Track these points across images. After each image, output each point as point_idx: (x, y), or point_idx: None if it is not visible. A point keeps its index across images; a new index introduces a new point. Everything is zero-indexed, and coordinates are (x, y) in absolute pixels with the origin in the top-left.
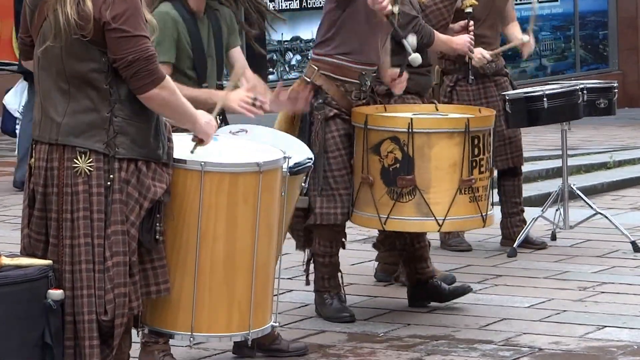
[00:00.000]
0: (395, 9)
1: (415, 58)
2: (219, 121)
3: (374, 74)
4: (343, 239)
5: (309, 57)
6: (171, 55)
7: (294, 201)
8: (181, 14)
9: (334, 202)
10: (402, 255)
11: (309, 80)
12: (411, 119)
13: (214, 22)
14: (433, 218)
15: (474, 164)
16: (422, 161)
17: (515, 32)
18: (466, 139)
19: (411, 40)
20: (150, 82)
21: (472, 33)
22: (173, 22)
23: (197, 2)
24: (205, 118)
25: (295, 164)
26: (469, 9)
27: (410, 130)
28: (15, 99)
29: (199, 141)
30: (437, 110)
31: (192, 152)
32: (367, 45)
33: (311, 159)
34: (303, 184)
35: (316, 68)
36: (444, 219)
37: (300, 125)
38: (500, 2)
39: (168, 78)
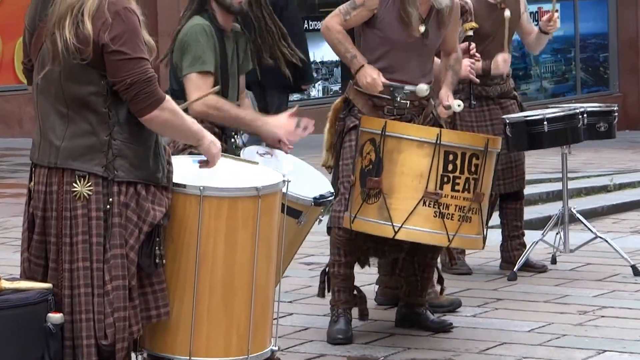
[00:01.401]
0: (422, 28)
1: (420, 90)
2: (239, 141)
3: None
4: (362, 257)
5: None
6: (213, 66)
7: (308, 229)
8: (214, 29)
9: (340, 205)
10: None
11: (346, 95)
12: (385, 121)
13: (236, 43)
14: (390, 223)
15: (446, 179)
16: (390, 165)
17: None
18: (436, 151)
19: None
20: (150, 104)
21: (475, 56)
22: (211, 34)
23: (226, 20)
24: (209, 137)
25: (320, 195)
26: (470, 32)
27: (383, 132)
28: None
29: (205, 163)
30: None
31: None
32: (399, 64)
33: (333, 193)
34: (321, 217)
35: (352, 82)
36: (400, 226)
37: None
38: (511, 20)
39: (168, 98)
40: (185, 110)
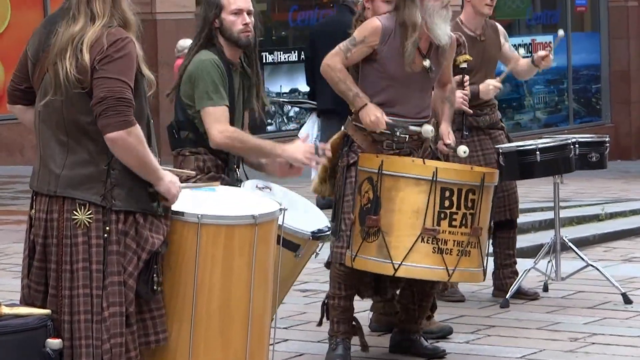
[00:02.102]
0: (427, 63)
1: (425, 131)
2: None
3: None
4: (362, 287)
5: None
6: (228, 99)
7: (305, 262)
8: (223, 62)
9: (341, 241)
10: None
11: (345, 130)
12: (382, 160)
13: (241, 79)
14: (390, 261)
15: (443, 215)
16: (388, 203)
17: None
18: (432, 188)
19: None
20: (116, 123)
21: (467, 88)
22: (221, 69)
23: (233, 54)
24: (169, 177)
25: (318, 230)
26: (464, 64)
27: (380, 171)
28: (309, 131)
29: (164, 200)
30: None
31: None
32: (400, 98)
33: (329, 227)
34: (317, 251)
35: (351, 118)
36: (400, 264)
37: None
38: (492, 51)
39: (138, 127)
40: None
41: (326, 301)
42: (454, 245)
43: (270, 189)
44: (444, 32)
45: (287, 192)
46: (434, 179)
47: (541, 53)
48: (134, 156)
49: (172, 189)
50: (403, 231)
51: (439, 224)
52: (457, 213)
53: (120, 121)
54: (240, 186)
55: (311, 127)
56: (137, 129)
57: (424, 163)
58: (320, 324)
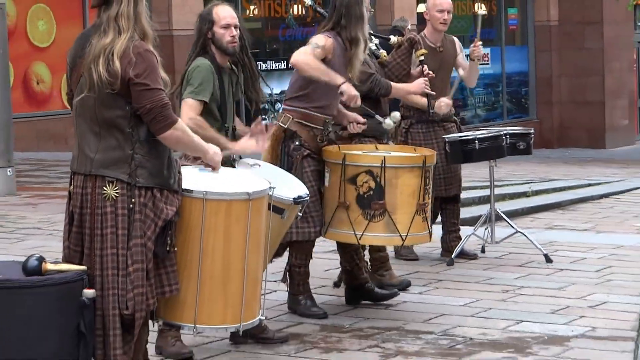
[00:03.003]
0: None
1: (388, 125)
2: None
3: (334, 123)
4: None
5: (282, 109)
6: (207, 97)
7: (289, 223)
8: (214, 67)
9: (307, 222)
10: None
11: (284, 126)
12: (384, 157)
13: (230, 78)
14: (398, 234)
15: (425, 191)
16: (391, 189)
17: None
18: (422, 172)
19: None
20: (165, 125)
21: (428, 75)
22: (213, 72)
23: (222, 60)
24: (212, 149)
25: (298, 196)
26: (422, 57)
27: (383, 165)
28: None
29: (210, 167)
30: (377, 149)
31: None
32: (332, 101)
33: (308, 194)
34: (299, 213)
35: (290, 117)
36: (406, 235)
37: (279, 165)
38: (449, 60)
39: (180, 121)
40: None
41: (289, 269)
42: (428, 212)
43: (260, 165)
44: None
45: (273, 167)
46: (424, 165)
47: (471, 46)
48: (183, 144)
49: (215, 158)
50: (405, 209)
51: (424, 199)
52: (429, 186)
53: (167, 123)
54: (235, 164)
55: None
56: (180, 123)
57: (377, 148)
58: (284, 280)
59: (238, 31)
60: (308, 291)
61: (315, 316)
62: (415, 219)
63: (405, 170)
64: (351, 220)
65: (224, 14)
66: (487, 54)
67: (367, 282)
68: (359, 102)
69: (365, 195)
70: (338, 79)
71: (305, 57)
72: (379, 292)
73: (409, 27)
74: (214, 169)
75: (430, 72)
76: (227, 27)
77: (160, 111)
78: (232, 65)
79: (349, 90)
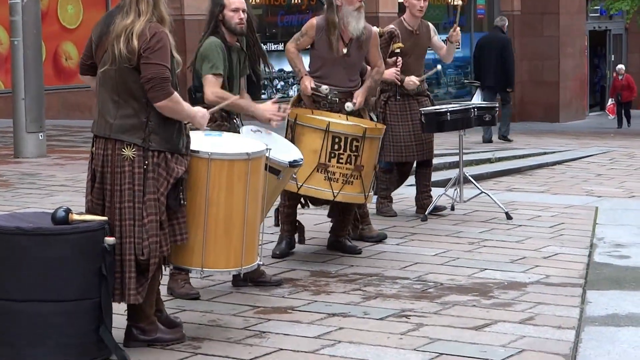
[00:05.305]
0: (345, 50)
1: (346, 106)
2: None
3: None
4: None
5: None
6: (222, 70)
7: (285, 184)
8: (225, 45)
9: None
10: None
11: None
12: (297, 114)
13: (238, 55)
14: (295, 182)
15: (333, 155)
16: (297, 144)
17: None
18: (325, 135)
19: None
20: (161, 95)
21: (399, 66)
22: (222, 49)
23: (231, 39)
24: (200, 113)
25: (294, 160)
26: (397, 50)
27: (295, 121)
28: (476, 100)
29: (196, 127)
30: (347, 119)
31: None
32: (330, 73)
33: (302, 159)
34: (294, 175)
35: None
36: (302, 185)
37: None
38: (423, 42)
39: (176, 94)
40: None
41: (278, 209)
42: (340, 176)
43: (261, 132)
44: (355, 27)
45: (273, 134)
46: (327, 129)
47: (450, 31)
48: (175, 112)
49: (201, 121)
50: (305, 164)
51: (329, 160)
52: (343, 154)
53: (164, 93)
54: (239, 129)
55: (476, 98)
56: (175, 95)
57: (346, 118)
58: (277, 224)
59: (246, 15)
60: (290, 232)
61: (273, 256)
62: (314, 174)
63: (309, 129)
64: None
65: None
66: (458, 26)
67: (341, 237)
68: (307, 92)
69: None
70: (299, 74)
71: (287, 47)
72: (347, 245)
73: (507, 24)
74: (198, 129)
75: (399, 67)
76: (236, 10)
77: (159, 82)
78: (241, 44)
79: (302, 82)
